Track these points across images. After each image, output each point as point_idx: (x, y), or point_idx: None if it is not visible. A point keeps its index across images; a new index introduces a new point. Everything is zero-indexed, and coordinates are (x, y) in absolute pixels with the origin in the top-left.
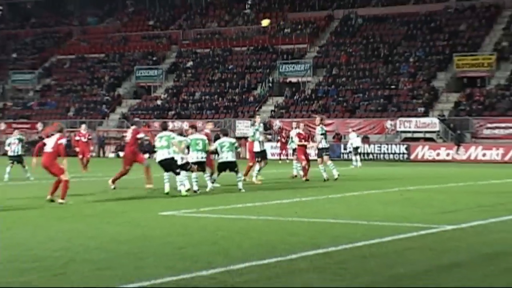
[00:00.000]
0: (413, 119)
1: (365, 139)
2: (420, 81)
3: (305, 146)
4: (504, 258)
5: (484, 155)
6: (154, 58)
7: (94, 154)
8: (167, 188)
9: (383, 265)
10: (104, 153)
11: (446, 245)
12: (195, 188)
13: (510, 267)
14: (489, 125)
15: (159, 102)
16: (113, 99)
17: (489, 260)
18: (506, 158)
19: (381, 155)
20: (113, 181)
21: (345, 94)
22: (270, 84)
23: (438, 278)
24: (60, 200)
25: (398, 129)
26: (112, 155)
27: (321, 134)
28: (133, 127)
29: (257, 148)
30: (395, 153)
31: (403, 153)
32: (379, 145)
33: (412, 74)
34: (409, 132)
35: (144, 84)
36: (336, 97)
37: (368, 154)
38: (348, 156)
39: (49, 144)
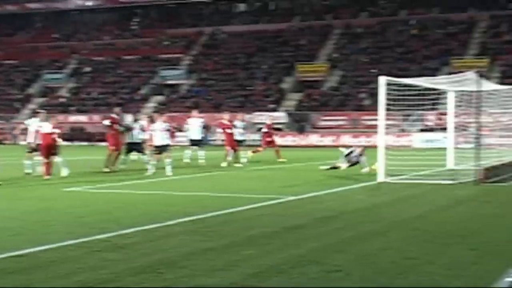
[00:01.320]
0: (265, 113)
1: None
2: (271, 84)
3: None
4: (334, 220)
5: (321, 141)
6: (59, 64)
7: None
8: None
9: (241, 228)
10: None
11: (290, 212)
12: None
13: (338, 227)
14: (324, 117)
15: (62, 100)
16: (25, 97)
17: (322, 222)
18: (337, 143)
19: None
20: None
21: (212, 94)
22: (153, 86)
23: (285, 237)
24: None
25: (254, 121)
26: (23, 142)
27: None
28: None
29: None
30: (254, 139)
31: (259, 140)
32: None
33: (264, 78)
34: (262, 123)
35: (50, 85)
36: (206, 96)
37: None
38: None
39: None
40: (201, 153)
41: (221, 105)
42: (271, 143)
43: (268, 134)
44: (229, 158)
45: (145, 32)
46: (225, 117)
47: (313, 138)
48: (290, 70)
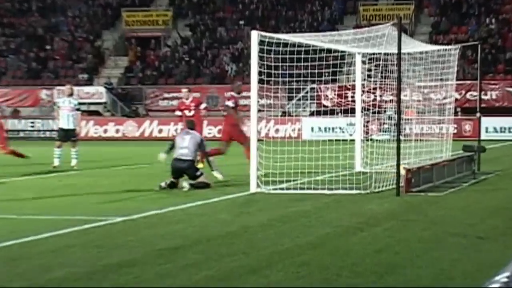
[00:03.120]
0: (74, 88)
1: (15, 113)
2: (82, 40)
3: None
4: (183, 253)
5: (160, 131)
6: None
7: None
8: None
9: (38, 267)
10: None
11: (114, 241)
12: None
13: (189, 263)
14: (166, 95)
15: None
16: None
17: (165, 256)
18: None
19: (35, 133)
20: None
21: None
22: None
23: (103, 280)
24: None
25: (55, 100)
26: None
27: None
28: None
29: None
30: (52, 130)
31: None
32: (32, 121)
33: (71, 32)
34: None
35: None
36: None
37: (18, 131)
38: None
39: None
40: None
41: (3, 75)
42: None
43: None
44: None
45: None
46: None
47: (149, 127)
48: (112, 20)
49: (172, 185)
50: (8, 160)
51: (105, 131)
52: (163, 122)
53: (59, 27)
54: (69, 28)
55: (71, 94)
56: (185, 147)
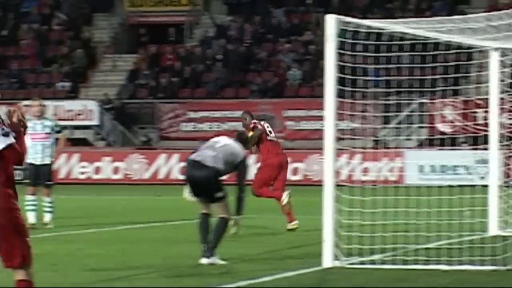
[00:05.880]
0: (47, 104)
1: None
2: (61, 30)
3: None
4: None
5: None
6: None
7: None
8: None
9: None
10: None
11: None
12: None
13: None
14: (192, 115)
15: None
16: None
17: None
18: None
19: None
20: None
21: None
22: None
23: None
24: None
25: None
26: None
27: None
28: None
29: None
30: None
31: None
32: None
33: (44, 16)
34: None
35: None
36: None
37: None
38: None
39: None
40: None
41: None
42: None
43: None
44: None
45: None
46: None
47: (166, 163)
48: (107, 2)
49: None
50: None
51: (97, 170)
52: (187, 156)
53: (24, 7)
54: (41, 11)
55: (41, 114)
56: (211, 149)
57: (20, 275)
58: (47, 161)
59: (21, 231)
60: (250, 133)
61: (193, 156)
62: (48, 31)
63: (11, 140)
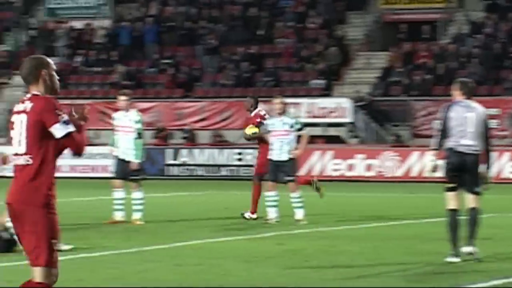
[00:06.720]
0: (304, 100)
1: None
2: (316, 28)
3: None
4: None
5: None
6: None
7: None
8: None
9: None
10: None
11: None
12: None
13: None
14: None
15: None
16: None
17: None
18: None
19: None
20: None
21: None
22: None
23: None
24: None
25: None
26: None
27: None
28: None
29: None
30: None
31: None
32: (240, 151)
33: (299, 15)
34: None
35: None
36: None
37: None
38: None
39: None
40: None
41: None
42: None
43: None
44: None
45: None
46: None
47: (417, 161)
48: (361, 3)
49: None
50: None
51: (350, 167)
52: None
53: (278, 6)
54: (296, 9)
55: (282, 112)
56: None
57: (38, 276)
58: (284, 157)
59: (53, 231)
60: (251, 128)
61: (451, 143)
62: (303, 29)
63: (71, 128)
